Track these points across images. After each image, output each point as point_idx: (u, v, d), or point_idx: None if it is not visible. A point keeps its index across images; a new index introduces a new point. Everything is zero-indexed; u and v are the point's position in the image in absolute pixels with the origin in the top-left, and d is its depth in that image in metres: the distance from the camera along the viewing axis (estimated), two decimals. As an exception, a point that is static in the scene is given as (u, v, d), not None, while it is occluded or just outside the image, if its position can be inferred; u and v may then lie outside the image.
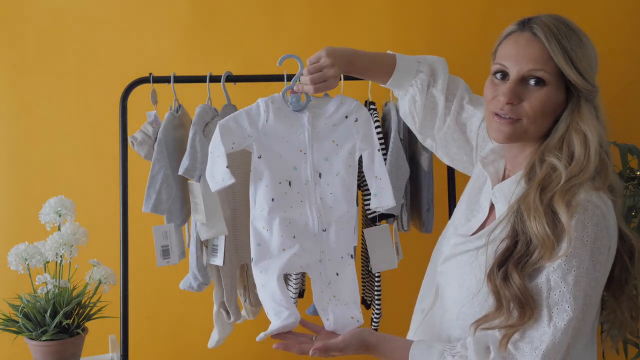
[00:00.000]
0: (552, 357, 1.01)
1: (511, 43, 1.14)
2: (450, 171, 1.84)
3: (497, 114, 1.13)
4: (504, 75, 1.14)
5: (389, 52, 1.40)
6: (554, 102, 1.11)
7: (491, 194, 1.20)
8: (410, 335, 1.30)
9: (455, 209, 1.33)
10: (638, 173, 1.79)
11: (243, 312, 1.85)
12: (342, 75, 1.75)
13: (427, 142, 1.45)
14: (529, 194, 1.08)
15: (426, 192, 1.81)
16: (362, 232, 1.78)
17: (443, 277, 1.22)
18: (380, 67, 1.38)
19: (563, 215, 1.03)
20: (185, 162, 1.61)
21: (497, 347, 1.05)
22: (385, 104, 1.83)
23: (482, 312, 1.09)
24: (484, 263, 1.11)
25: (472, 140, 1.38)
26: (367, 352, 1.18)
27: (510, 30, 1.16)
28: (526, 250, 1.05)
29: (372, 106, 1.77)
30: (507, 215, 1.11)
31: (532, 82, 1.10)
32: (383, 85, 1.41)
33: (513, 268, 1.05)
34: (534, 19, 1.13)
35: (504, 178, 1.23)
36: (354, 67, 1.35)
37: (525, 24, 1.13)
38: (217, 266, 1.72)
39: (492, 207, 1.21)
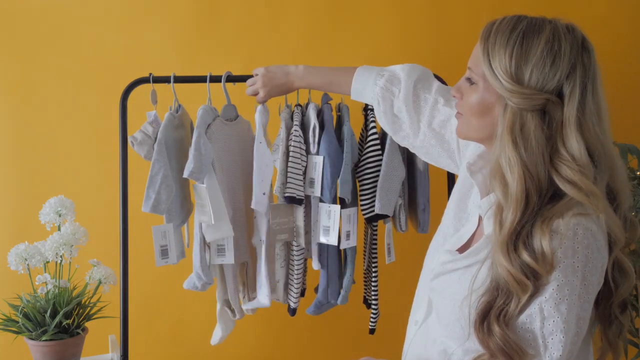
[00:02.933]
0: None
1: None
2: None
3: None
4: None
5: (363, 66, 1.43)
6: (484, 103, 1.08)
7: (478, 207, 1.17)
8: (405, 347, 1.29)
9: (445, 215, 1.30)
10: (638, 173, 1.79)
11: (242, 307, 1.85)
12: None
13: (409, 147, 1.46)
14: (493, 233, 1.05)
15: (422, 192, 1.81)
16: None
17: (435, 293, 1.20)
18: (342, 81, 1.47)
19: (524, 255, 0.99)
20: (190, 165, 1.60)
21: None
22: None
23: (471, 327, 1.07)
24: (471, 276, 1.09)
25: (453, 142, 1.37)
26: None
27: None
28: (505, 299, 1.02)
29: (370, 107, 1.77)
30: (488, 240, 1.08)
31: (469, 80, 1.12)
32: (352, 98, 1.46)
33: (494, 321, 1.01)
34: (496, 19, 1.10)
35: None
36: (314, 83, 1.52)
37: None
38: (220, 265, 1.72)
39: (480, 218, 1.18)
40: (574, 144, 1.00)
